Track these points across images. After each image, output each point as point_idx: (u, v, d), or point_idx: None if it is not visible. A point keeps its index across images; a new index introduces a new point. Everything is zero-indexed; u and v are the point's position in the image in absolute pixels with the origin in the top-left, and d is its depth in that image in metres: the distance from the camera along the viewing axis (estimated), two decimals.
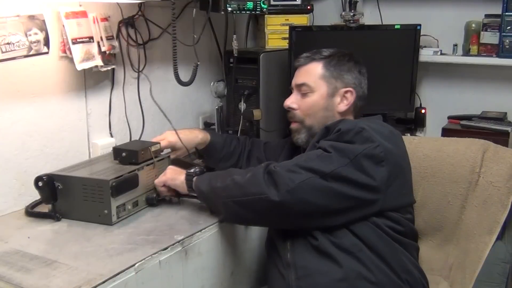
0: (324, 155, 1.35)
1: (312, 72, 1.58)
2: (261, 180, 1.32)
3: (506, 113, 2.34)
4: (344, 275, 1.34)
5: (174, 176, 1.53)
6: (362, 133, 1.37)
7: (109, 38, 1.81)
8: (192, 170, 1.50)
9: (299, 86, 1.59)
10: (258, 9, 2.06)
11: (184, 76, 1.83)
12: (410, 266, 1.42)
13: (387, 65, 2.29)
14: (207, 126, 2.35)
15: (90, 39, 1.72)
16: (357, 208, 1.36)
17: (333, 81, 1.55)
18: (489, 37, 2.27)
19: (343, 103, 1.55)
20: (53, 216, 1.48)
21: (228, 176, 1.40)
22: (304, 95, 1.58)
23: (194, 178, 1.47)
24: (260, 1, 2.05)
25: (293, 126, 1.62)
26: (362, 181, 1.33)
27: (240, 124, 2.14)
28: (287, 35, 2.27)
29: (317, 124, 1.56)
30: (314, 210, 1.34)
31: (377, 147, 1.36)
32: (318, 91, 1.56)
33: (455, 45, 2.40)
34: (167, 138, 1.72)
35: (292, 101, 1.61)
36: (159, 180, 1.56)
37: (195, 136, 1.77)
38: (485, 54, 2.30)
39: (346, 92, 1.55)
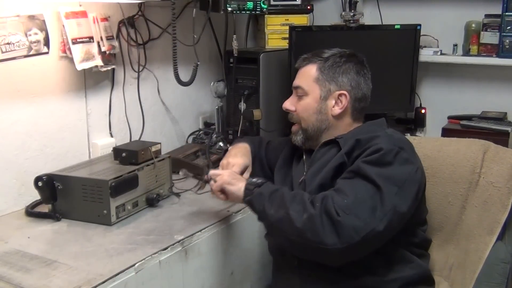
0: (378, 192, 1.28)
1: (307, 75, 1.54)
2: (319, 227, 1.24)
3: (506, 113, 2.34)
4: (353, 284, 1.35)
5: (232, 180, 1.43)
6: (401, 154, 1.35)
7: (109, 38, 1.81)
8: (254, 181, 1.41)
9: (296, 88, 1.57)
10: (258, 9, 2.06)
11: (184, 76, 1.83)
12: (421, 279, 1.42)
13: (387, 65, 2.29)
14: (207, 126, 2.35)
15: (90, 39, 1.72)
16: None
17: (326, 84, 1.50)
18: (489, 37, 2.27)
19: (338, 106, 1.50)
20: (53, 216, 1.48)
21: (283, 206, 1.31)
22: (300, 97, 1.55)
23: (247, 198, 1.38)
24: (260, 1, 2.05)
25: (293, 128, 1.60)
26: (407, 210, 1.31)
27: (240, 124, 2.14)
28: (287, 35, 2.27)
29: (312, 127, 1.53)
30: (369, 253, 1.32)
31: (417, 170, 1.36)
32: (311, 94, 1.52)
33: (455, 45, 2.39)
34: (235, 163, 1.60)
35: (289, 103, 1.58)
36: (214, 173, 1.47)
37: (245, 146, 1.71)
38: (485, 54, 2.29)
39: (340, 95, 1.49)
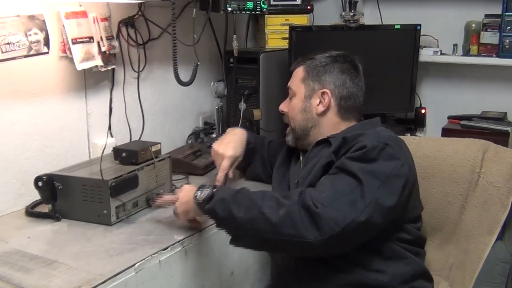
0: (359, 185, 1.28)
1: (295, 76, 1.59)
2: (298, 221, 1.21)
3: (506, 113, 2.34)
4: (350, 281, 1.35)
5: (184, 208, 1.39)
6: (387, 150, 1.35)
7: (109, 38, 1.81)
8: (199, 194, 1.34)
9: (287, 90, 1.61)
10: (258, 9, 2.06)
11: (184, 76, 1.83)
12: (418, 274, 1.42)
13: (387, 65, 2.29)
14: (207, 126, 2.35)
15: (90, 39, 1.72)
16: (382, 230, 1.34)
17: (311, 83, 1.54)
18: (489, 37, 2.27)
19: (321, 104, 1.53)
20: (53, 216, 1.48)
21: (253, 205, 1.27)
22: (290, 98, 1.60)
23: (207, 206, 1.33)
24: (260, 1, 2.05)
25: (287, 130, 1.64)
26: (393, 205, 1.30)
27: (240, 124, 2.14)
28: (287, 35, 2.27)
29: (299, 126, 1.56)
30: (353, 247, 1.32)
31: (403, 165, 1.35)
32: (298, 94, 1.56)
33: (455, 45, 2.40)
34: (225, 155, 1.66)
35: (283, 105, 1.63)
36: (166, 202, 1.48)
37: (242, 133, 1.74)
38: (485, 54, 2.30)
39: (323, 93, 1.53)
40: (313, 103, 1.54)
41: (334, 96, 1.53)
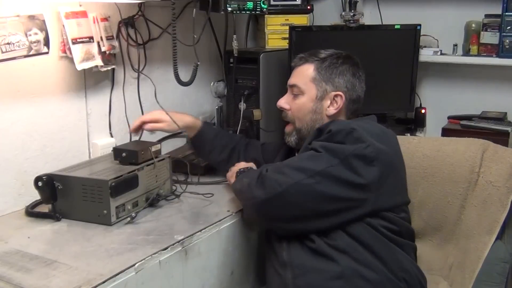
0: (315, 155, 1.36)
1: (304, 74, 1.57)
2: (252, 185, 1.40)
3: (506, 113, 2.34)
4: (341, 273, 1.35)
5: (230, 175, 1.64)
6: (353, 134, 1.37)
7: (109, 38, 1.81)
8: (240, 170, 1.59)
9: (291, 87, 1.60)
10: (258, 9, 2.06)
11: (184, 76, 1.83)
12: (406, 264, 1.41)
13: (387, 65, 2.29)
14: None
15: (90, 39, 1.72)
16: (348, 209, 1.36)
17: (323, 84, 1.54)
18: (489, 37, 2.27)
19: (333, 106, 1.54)
20: (53, 216, 1.49)
21: (244, 177, 1.50)
22: (295, 96, 1.58)
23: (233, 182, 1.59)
24: (260, 1, 2.05)
25: (286, 129, 1.63)
26: (352, 180, 1.33)
27: (240, 124, 2.15)
28: (287, 35, 2.27)
29: (306, 127, 1.56)
30: (303, 213, 1.35)
31: (367, 147, 1.36)
32: (307, 94, 1.55)
33: (455, 45, 2.40)
34: (162, 119, 1.71)
35: (284, 102, 1.62)
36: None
37: (184, 115, 1.77)
38: (485, 54, 2.29)
39: (335, 96, 1.53)
40: (324, 105, 1.54)
41: (346, 99, 1.54)
